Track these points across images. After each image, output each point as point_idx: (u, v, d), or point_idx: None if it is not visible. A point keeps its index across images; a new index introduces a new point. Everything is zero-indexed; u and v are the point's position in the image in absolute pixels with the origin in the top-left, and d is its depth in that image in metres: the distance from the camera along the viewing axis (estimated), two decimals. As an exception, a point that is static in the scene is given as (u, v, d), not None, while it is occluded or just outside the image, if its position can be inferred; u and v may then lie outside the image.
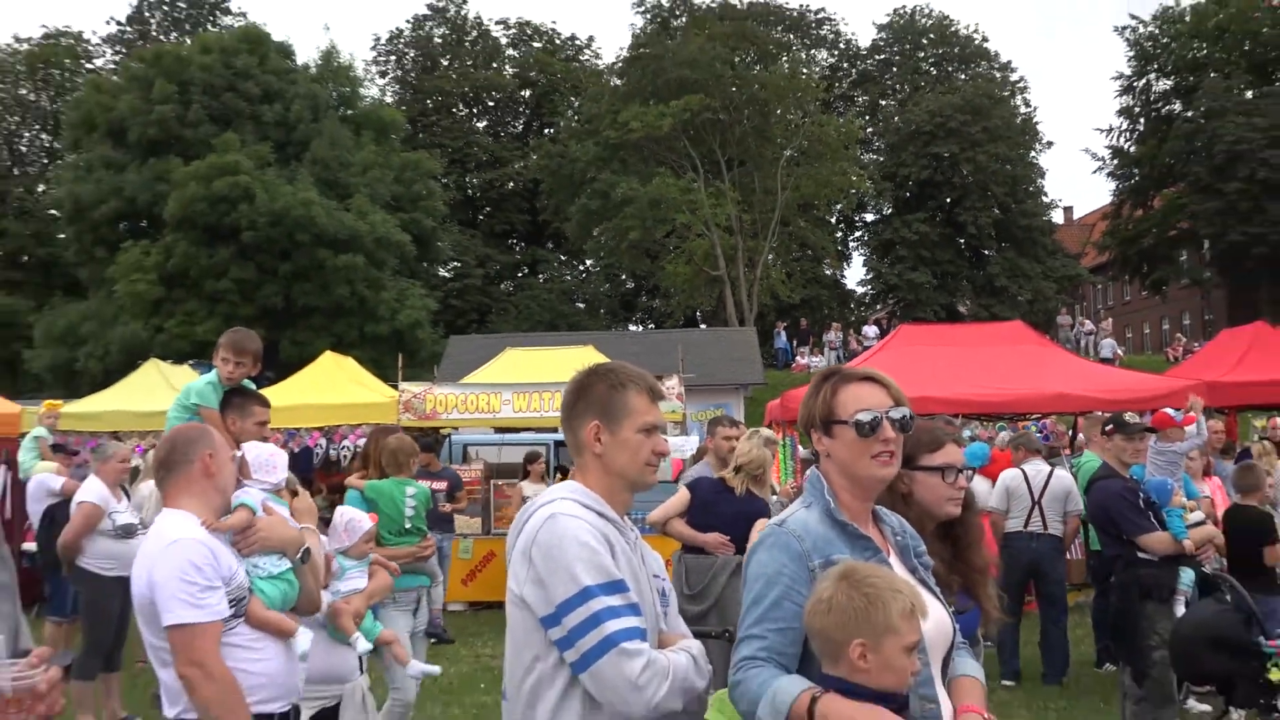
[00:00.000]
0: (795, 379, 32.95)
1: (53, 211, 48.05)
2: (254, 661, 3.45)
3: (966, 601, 3.25)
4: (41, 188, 52.60)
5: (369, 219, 37.09)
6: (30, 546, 10.80)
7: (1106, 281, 63.23)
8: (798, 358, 42.37)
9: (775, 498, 8.10)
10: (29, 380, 39.69)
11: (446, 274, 51.86)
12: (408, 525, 6.61)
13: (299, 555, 3.72)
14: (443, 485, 11.55)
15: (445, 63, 58.57)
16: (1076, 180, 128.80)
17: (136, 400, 15.84)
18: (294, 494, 4.29)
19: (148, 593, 3.36)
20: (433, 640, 10.03)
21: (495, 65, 59.22)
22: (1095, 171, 51.60)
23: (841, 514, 2.69)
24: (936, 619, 2.64)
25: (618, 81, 51.39)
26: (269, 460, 4.04)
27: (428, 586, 6.90)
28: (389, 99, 53.53)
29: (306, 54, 46.60)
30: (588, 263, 57.15)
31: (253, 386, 5.80)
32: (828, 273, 55.94)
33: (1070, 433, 16.03)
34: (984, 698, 2.75)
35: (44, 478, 10.39)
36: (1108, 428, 7.36)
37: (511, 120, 60.30)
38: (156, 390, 16.23)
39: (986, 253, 52.74)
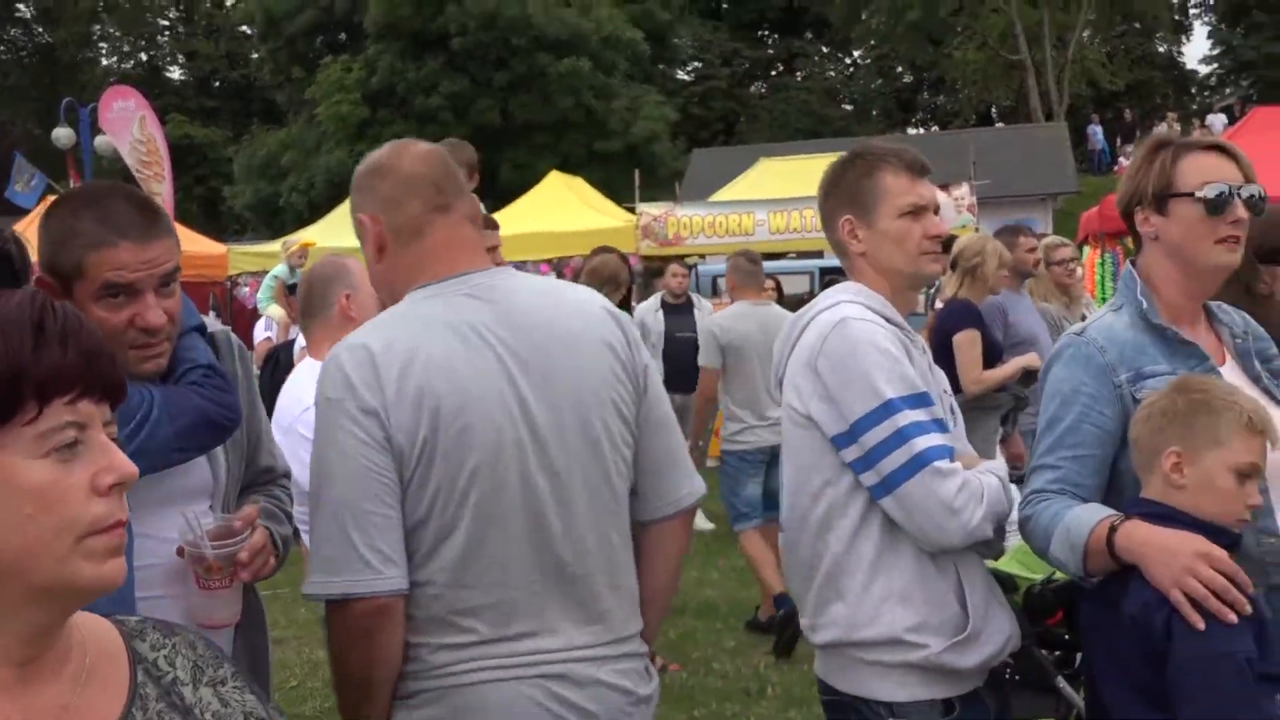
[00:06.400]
0: (1117, 184, 31.46)
1: (244, 28, 50.47)
2: None
3: None
4: (229, 2, 55.16)
5: (594, 14, 37.26)
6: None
7: None
8: (1120, 159, 40.35)
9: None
10: (231, 220, 42.43)
11: (686, 76, 51.69)
12: None
13: None
14: None
15: None
16: None
17: (346, 234, 16.74)
18: None
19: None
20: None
21: None
22: None
23: (1159, 316, 2.65)
24: None
25: None
26: None
27: None
28: None
29: None
30: (855, 54, 55.78)
31: (480, 209, 6.08)
32: (1161, 50, 52.61)
33: None
34: None
35: (264, 320, 11.44)
36: None
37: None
38: (368, 224, 17.12)
39: (1377, 11, 48.27)
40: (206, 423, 2.40)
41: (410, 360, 2.24)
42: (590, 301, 2.54)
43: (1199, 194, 2.61)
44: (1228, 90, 51.73)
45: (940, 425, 2.60)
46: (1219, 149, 2.71)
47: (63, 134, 18.57)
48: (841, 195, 2.78)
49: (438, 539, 2.25)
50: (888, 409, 2.53)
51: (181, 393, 2.36)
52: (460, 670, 2.26)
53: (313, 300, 3.88)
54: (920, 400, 2.58)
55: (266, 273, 13.14)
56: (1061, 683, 3.46)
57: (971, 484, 2.53)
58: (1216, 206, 2.59)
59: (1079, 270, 7.65)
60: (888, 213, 2.71)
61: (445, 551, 2.25)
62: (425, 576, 2.25)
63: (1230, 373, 2.67)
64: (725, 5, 55.74)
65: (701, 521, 10.19)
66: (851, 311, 2.64)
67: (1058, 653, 3.46)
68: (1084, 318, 7.98)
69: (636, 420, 2.45)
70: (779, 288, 12.49)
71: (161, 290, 2.35)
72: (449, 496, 2.24)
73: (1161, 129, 39.83)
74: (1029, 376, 6.72)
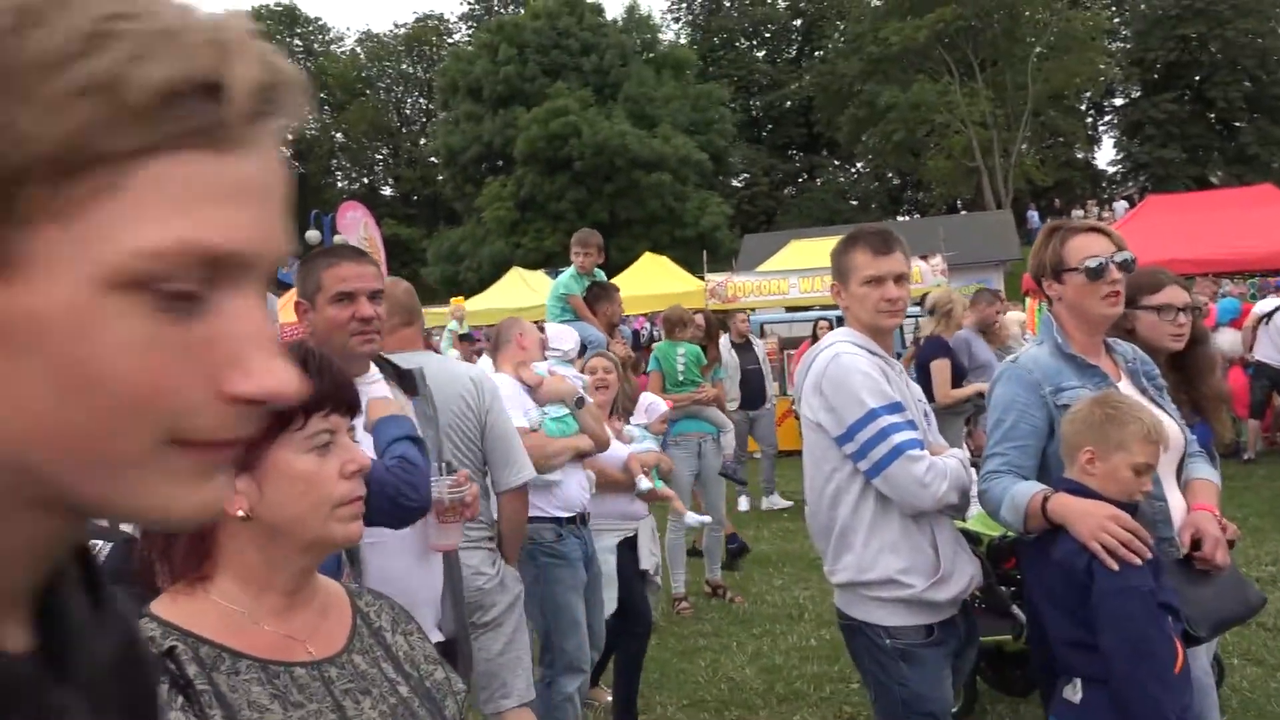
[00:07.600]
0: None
1: (432, 159, 51.51)
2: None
3: (1192, 417, 3.08)
4: (423, 141, 56.39)
5: (672, 143, 37.50)
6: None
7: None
8: (1052, 234, 39.48)
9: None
10: (425, 291, 43.13)
11: (738, 184, 51.66)
12: (680, 378, 6.60)
13: (574, 403, 4.10)
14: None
15: (727, 3, 57.45)
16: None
17: (506, 299, 17.06)
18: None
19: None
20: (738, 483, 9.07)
21: (770, 0, 57.52)
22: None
23: (1070, 348, 2.61)
24: (1170, 431, 2.54)
25: (878, 2, 48.74)
26: (561, 334, 4.57)
27: (712, 434, 6.68)
28: (682, 40, 53.33)
29: (614, 10, 46.75)
30: (858, 165, 55.30)
31: (603, 277, 6.19)
32: (1079, 156, 51.45)
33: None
34: (1216, 498, 2.64)
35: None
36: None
37: (786, 47, 58.45)
38: (520, 292, 17.40)
39: (1237, 124, 46.66)
40: (389, 500, 2.23)
41: None
42: (465, 369, 3.30)
43: (1082, 266, 2.58)
44: (1129, 184, 50.42)
45: (911, 424, 2.58)
46: (1094, 229, 2.67)
47: (312, 235, 18.94)
48: (833, 268, 2.78)
49: None
50: (872, 415, 2.53)
51: (379, 471, 2.17)
52: None
53: (500, 339, 4.20)
54: (895, 407, 2.57)
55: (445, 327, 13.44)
56: (1015, 608, 3.42)
57: (937, 465, 2.53)
58: (1096, 273, 2.57)
59: (1002, 315, 7.61)
60: (856, 281, 2.67)
61: None
62: None
63: (1125, 387, 2.63)
64: (764, 133, 55.70)
65: (779, 500, 10.08)
66: (844, 348, 2.64)
67: (1012, 588, 3.43)
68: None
69: (482, 434, 3.07)
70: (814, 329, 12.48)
71: (372, 298, 2.44)
72: None
73: (1079, 213, 39.05)
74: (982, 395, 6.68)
